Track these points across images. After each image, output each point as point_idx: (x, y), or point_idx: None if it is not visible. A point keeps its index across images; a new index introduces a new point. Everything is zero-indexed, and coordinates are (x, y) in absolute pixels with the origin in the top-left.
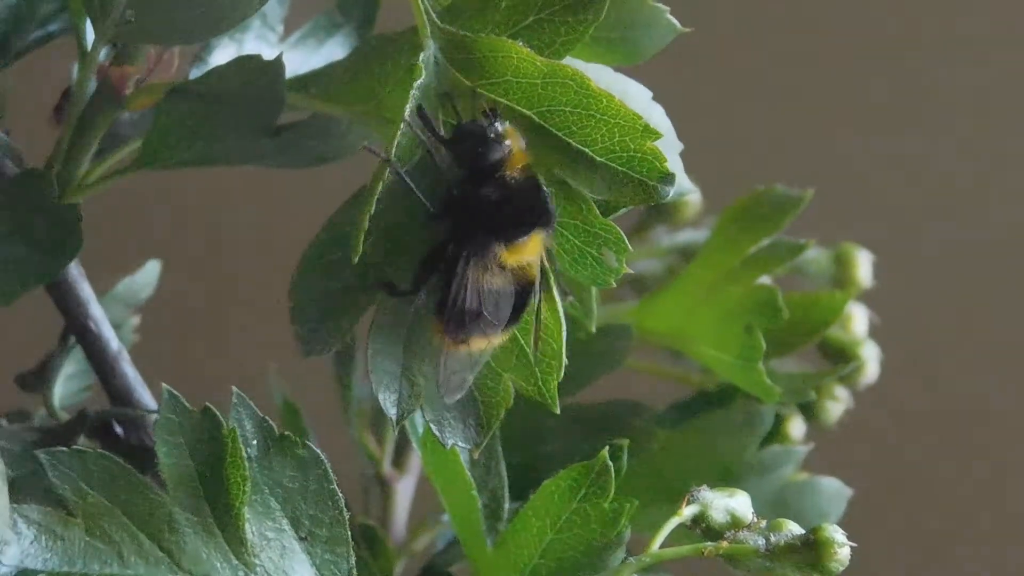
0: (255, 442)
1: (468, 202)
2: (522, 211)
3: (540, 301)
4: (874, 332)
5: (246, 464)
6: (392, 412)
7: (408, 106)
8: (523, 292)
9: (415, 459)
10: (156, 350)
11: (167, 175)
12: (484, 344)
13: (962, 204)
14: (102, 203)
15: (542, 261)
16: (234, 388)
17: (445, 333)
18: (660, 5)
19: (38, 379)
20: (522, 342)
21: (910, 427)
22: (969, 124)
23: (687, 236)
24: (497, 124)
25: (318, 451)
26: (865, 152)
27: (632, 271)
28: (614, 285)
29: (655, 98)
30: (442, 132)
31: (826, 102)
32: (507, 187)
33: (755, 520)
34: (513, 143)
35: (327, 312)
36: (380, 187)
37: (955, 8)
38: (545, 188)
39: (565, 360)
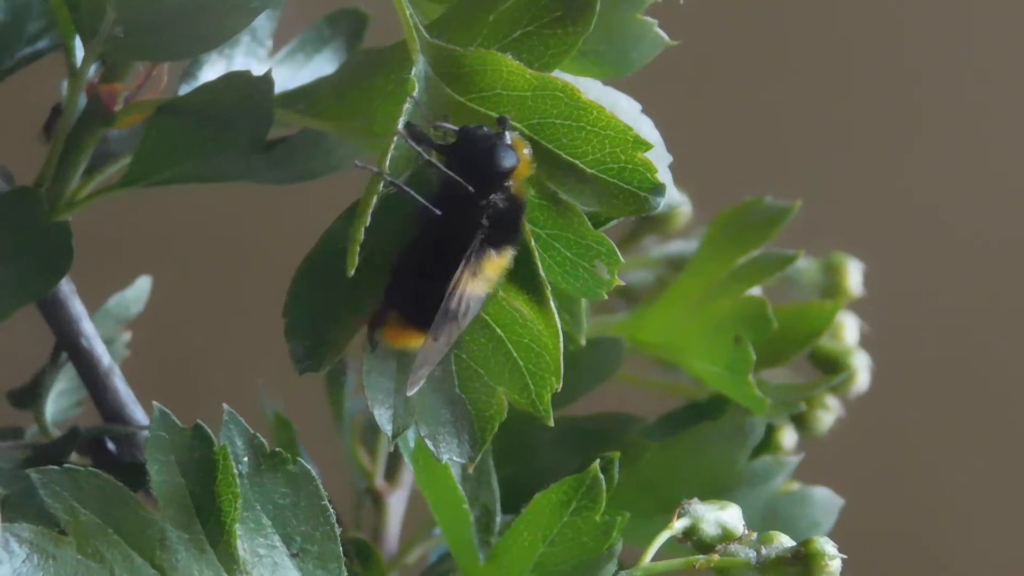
0: (246, 459)
1: (475, 209)
2: (519, 218)
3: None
4: (865, 341)
5: (237, 481)
6: (388, 428)
7: (401, 119)
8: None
9: (407, 473)
10: (148, 366)
11: (158, 190)
12: (442, 351)
13: (953, 211)
14: (93, 219)
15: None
16: (224, 405)
17: (430, 331)
18: (648, 19)
19: (30, 396)
20: (515, 355)
21: (902, 436)
22: (961, 133)
23: (677, 246)
24: (508, 133)
25: (309, 467)
26: (854, 162)
27: (622, 282)
28: (605, 297)
29: (644, 110)
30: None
31: (815, 112)
32: (512, 196)
33: (746, 533)
34: (525, 154)
35: (322, 329)
36: (374, 201)
37: (946, 18)
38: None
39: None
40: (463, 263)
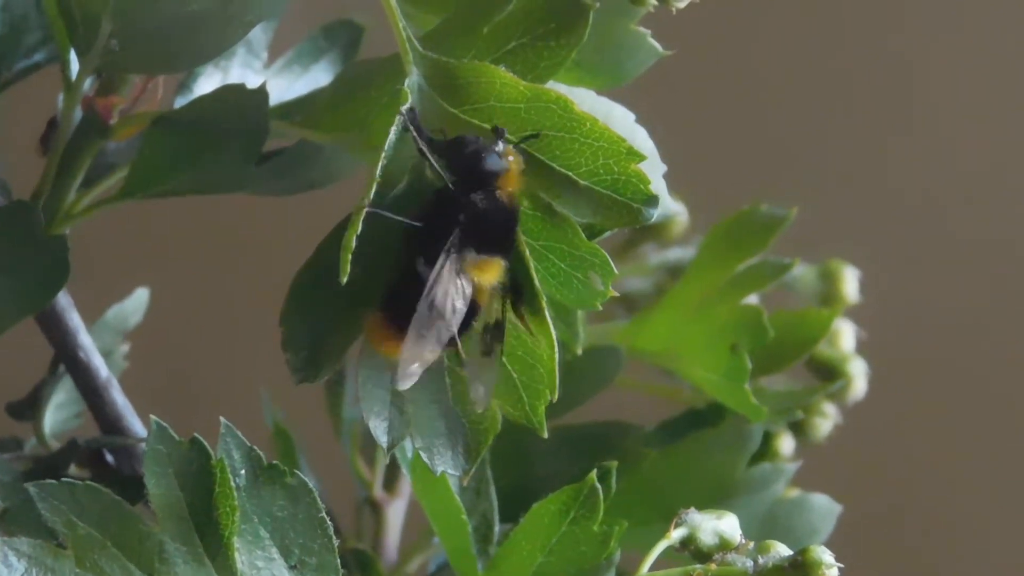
0: (243, 472)
1: (458, 206)
2: (506, 227)
3: (502, 330)
4: (861, 347)
5: (235, 494)
6: (383, 439)
7: (393, 128)
8: (470, 313)
9: (406, 482)
10: (148, 377)
11: (155, 201)
12: (434, 350)
13: (948, 217)
14: (90, 231)
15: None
16: (221, 418)
17: (411, 326)
18: (641, 29)
19: (29, 408)
20: (509, 368)
21: (900, 442)
22: (956, 139)
23: (675, 254)
24: (501, 142)
25: (306, 479)
26: (850, 168)
27: (621, 289)
28: (600, 308)
29: (639, 120)
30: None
31: (810, 119)
32: (498, 202)
33: (743, 542)
34: (514, 163)
35: (319, 339)
36: (365, 209)
37: (941, 24)
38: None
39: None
40: (443, 257)
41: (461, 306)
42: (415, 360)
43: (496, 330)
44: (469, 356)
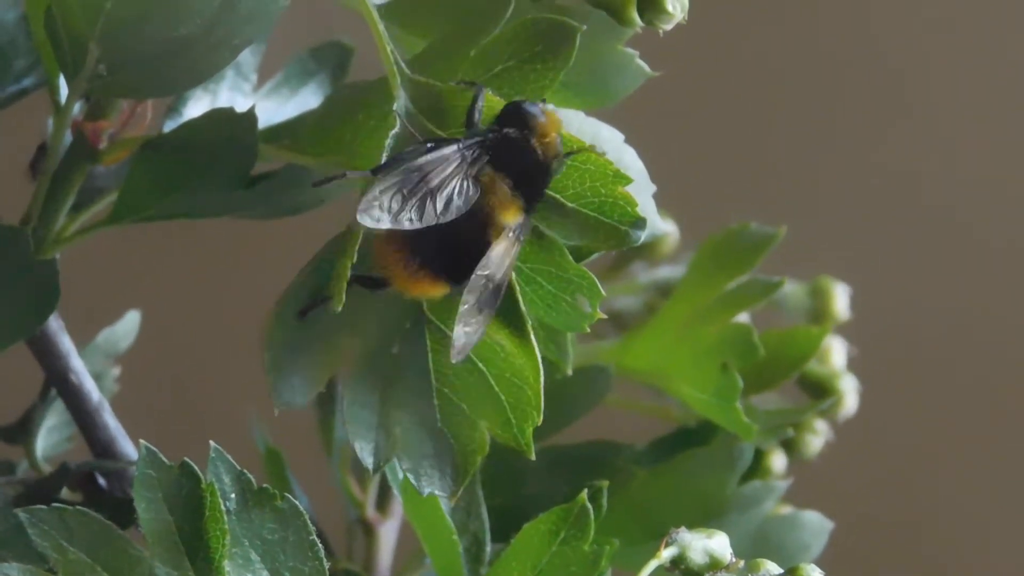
0: (233, 495)
1: (487, 132)
2: (532, 169)
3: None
4: (852, 364)
5: (225, 518)
6: (369, 462)
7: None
8: (478, 250)
9: (398, 503)
10: (138, 400)
11: (145, 224)
12: (412, 221)
13: (939, 235)
14: (80, 254)
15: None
16: (211, 442)
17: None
18: (629, 50)
19: (20, 431)
20: (496, 390)
21: (891, 458)
22: (945, 156)
23: (665, 272)
24: (549, 105)
25: (297, 502)
26: (840, 187)
27: (611, 307)
28: (588, 331)
29: (627, 140)
30: None
31: (800, 135)
32: (529, 141)
33: (734, 560)
34: (551, 121)
35: (302, 363)
36: (359, 238)
37: (927, 43)
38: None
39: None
40: (457, 144)
41: (460, 203)
42: (381, 206)
43: (495, 291)
44: (465, 305)
